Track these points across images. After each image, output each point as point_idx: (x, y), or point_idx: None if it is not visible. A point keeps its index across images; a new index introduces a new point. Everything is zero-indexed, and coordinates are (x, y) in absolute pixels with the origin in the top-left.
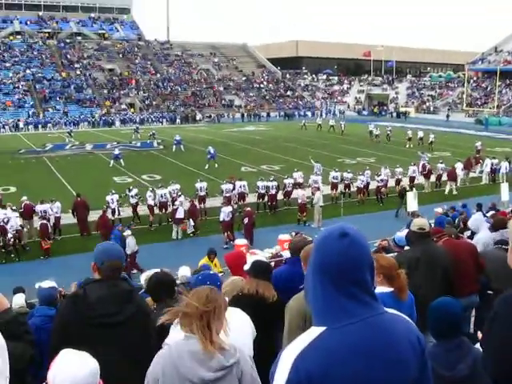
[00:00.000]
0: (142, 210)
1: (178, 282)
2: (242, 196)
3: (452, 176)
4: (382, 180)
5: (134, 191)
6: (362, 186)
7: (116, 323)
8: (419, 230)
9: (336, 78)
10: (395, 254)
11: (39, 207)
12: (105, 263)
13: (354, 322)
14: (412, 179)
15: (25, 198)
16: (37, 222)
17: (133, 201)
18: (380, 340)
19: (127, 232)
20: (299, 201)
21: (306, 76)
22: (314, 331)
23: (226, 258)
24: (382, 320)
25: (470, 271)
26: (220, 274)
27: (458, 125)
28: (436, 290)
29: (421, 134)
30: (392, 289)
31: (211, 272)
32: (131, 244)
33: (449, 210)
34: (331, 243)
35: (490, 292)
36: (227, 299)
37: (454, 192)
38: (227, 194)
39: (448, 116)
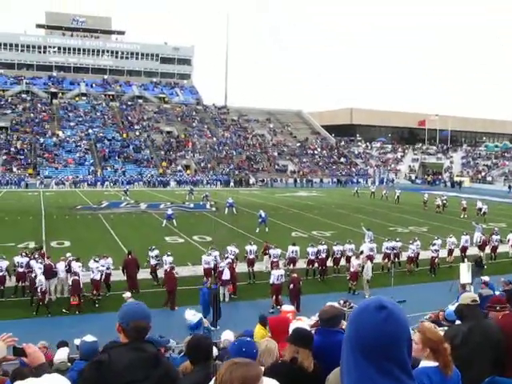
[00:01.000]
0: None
1: (221, 345)
2: (292, 261)
3: None
4: (436, 250)
5: (155, 252)
6: (413, 255)
7: None
8: (473, 302)
9: (390, 146)
10: (445, 328)
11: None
12: (130, 324)
13: None
14: (464, 249)
15: (69, 254)
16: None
17: (153, 262)
18: None
19: (126, 295)
20: (352, 269)
21: (359, 143)
22: None
23: (269, 320)
24: None
25: None
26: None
27: None
28: (487, 368)
29: (479, 204)
30: (437, 363)
31: (248, 339)
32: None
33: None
34: (367, 316)
35: None
36: (263, 368)
37: None
38: (275, 259)
39: (510, 187)
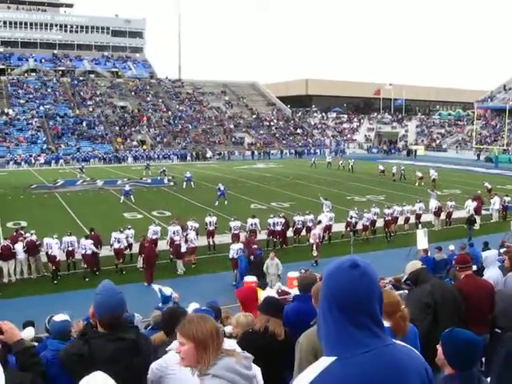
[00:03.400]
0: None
1: None
2: (253, 233)
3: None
4: (390, 214)
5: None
6: (368, 223)
7: (126, 378)
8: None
9: (346, 116)
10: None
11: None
12: (103, 317)
13: (365, 353)
14: (418, 216)
15: (28, 234)
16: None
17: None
18: (389, 370)
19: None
20: (311, 240)
21: (315, 114)
22: (325, 361)
23: (237, 293)
24: (391, 351)
25: (484, 311)
26: None
27: (467, 162)
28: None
29: (432, 171)
30: (389, 325)
31: (203, 308)
32: None
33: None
34: (342, 274)
35: (497, 330)
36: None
37: (477, 227)
38: (235, 232)
39: (479, 155)
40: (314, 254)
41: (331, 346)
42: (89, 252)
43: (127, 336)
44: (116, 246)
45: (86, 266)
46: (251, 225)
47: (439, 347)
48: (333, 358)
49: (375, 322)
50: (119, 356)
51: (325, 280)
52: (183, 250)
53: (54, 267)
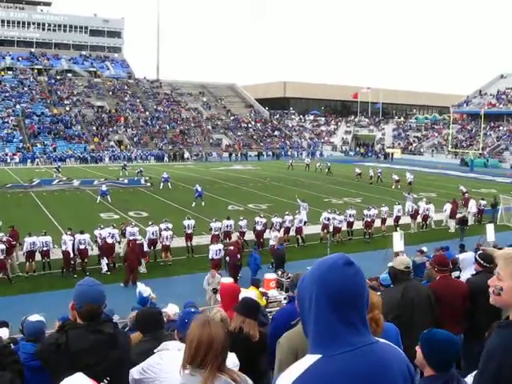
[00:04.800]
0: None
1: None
2: (227, 234)
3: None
4: (370, 216)
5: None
6: (340, 226)
7: (102, 370)
8: (405, 268)
9: (323, 118)
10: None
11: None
12: (83, 307)
13: (350, 351)
14: (397, 219)
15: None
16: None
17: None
18: (374, 369)
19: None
20: (272, 242)
21: (293, 116)
22: (309, 359)
23: (221, 286)
24: (375, 349)
25: (458, 313)
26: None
27: (443, 166)
28: (426, 324)
29: (408, 174)
30: None
31: (192, 310)
32: None
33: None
34: (337, 271)
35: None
36: None
37: (452, 230)
38: (215, 233)
39: (463, 160)
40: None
41: (316, 344)
42: (88, 247)
43: (105, 330)
44: (109, 240)
45: (86, 261)
46: (226, 226)
47: (418, 348)
48: (317, 356)
49: (362, 319)
50: (96, 347)
51: (315, 278)
52: (145, 249)
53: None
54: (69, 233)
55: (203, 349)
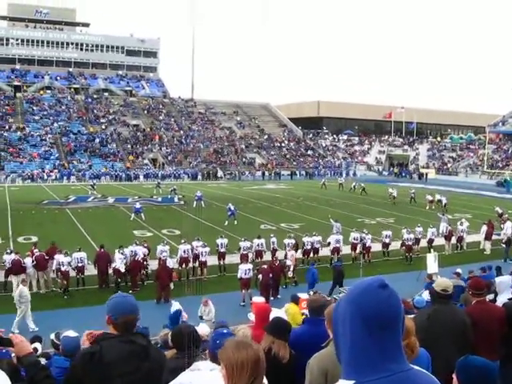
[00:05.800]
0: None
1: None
2: (259, 254)
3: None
4: (410, 239)
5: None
6: (369, 245)
7: (133, 381)
8: (442, 291)
9: (357, 138)
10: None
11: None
12: (119, 319)
13: (385, 377)
14: (431, 241)
15: (36, 250)
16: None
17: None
18: None
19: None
20: (289, 262)
21: (326, 136)
22: None
23: (254, 305)
24: (410, 376)
25: (494, 338)
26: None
27: (478, 186)
28: (453, 349)
29: (438, 196)
30: None
31: (225, 331)
32: None
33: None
34: (372, 294)
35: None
36: None
37: (488, 252)
38: (244, 252)
39: (502, 183)
40: (290, 274)
41: (351, 369)
42: (120, 266)
43: (138, 340)
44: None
45: (119, 278)
46: (257, 245)
47: (454, 376)
48: (351, 382)
49: (397, 344)
50: (129, 358)
51: (350, 301)
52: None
53: (65, 282)
54: (121, 251)
55: (245, 371)
